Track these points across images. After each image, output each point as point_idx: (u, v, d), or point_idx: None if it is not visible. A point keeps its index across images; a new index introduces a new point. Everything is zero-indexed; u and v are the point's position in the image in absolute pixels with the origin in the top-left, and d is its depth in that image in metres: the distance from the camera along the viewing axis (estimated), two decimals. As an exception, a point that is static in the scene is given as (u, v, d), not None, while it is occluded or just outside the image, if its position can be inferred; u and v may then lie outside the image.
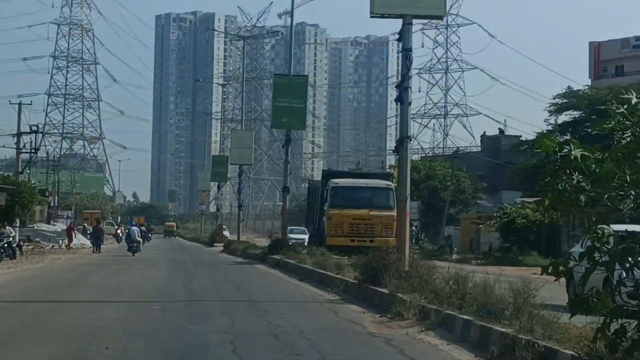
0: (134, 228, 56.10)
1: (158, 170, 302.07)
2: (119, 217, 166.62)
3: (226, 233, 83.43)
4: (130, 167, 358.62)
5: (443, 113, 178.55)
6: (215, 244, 79.47)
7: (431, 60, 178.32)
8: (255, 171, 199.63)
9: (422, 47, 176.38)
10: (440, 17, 26.77)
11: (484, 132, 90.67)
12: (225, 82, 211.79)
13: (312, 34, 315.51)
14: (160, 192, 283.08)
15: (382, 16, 24.82)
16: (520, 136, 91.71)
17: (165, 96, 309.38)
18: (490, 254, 57.43)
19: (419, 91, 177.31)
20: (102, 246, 62.42)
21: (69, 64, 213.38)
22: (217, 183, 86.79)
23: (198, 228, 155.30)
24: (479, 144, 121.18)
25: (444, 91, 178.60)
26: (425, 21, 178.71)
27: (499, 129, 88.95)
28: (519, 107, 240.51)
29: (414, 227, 76.34)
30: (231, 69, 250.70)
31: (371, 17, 24.23)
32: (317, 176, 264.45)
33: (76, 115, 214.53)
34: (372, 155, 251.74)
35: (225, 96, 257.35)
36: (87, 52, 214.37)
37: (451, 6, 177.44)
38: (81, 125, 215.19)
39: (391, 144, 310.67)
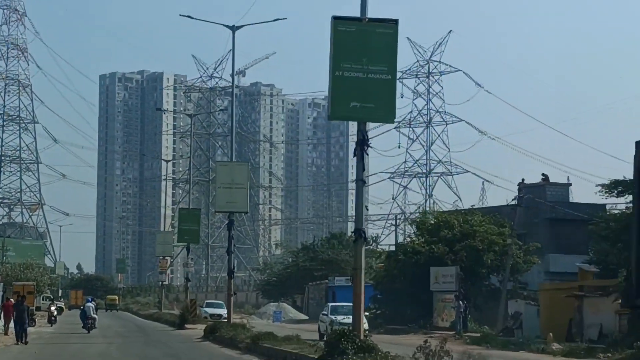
0: (90, 304, 53.78)
1: (104, 239, 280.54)
2: (60, 291, 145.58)
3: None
4: (73, 236, 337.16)
5: (425, 171, 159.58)
6: (186, 326, 59.07)
7: (411, 112, 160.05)
8: (214, 239, 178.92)
9: (402, 97, 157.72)
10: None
11: (522, 180, 71.47)
12: (181, 137, 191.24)
13: (268, 94, 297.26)
14: (106, 262, 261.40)
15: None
16: (571, 184, 72.87)
17: (110, 161, 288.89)
18: (613, 342, 38.24)
19: (399, 147, 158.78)
20: (31, 330, 42.47)
21: (4, 123, 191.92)
22: (185, 247, 67.41)
23: (151, 302, 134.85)
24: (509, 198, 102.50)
25: (425, 147, 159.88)
26: (404, 69, 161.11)
27: (543, 175, 69.86)
28: (510, 165, 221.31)
29: (461, 303, 56.89)
30: (181, 124, 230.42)
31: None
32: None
33: (13, 179, 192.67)
34: (337, 222, 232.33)
35: (176, 153, 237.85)
36: (24, 109, 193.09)
37: (433, 52, 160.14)
38: (19, 190, 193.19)
39: (353, 207, 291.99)
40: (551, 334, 42.16)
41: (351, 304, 45.69)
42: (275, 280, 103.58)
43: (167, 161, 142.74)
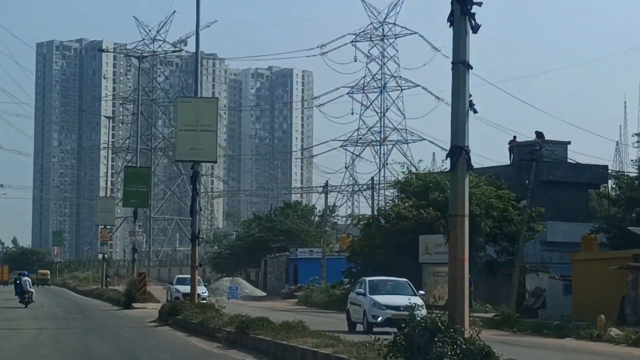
0: (26, 278, 51.97)
1: (40, 213, 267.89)
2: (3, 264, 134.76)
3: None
4: (8, 208, 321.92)
5: (379, 139, 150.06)
6: (134, 305, 48.88)
7: (364, 77, 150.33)
8: (157, 210, 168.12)
9: (355, 61, 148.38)
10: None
11: (514, 137, 62.14)
12: (122, 102, 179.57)
13: (210, 64, 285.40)
14: (43, 236, 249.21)
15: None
16: (569, 142, 63.46)
17: (47, 132, 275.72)
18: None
19: (352, 113, 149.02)
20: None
21: None
22: (133, 213, 57.03)
23: (90, 277, 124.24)
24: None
25: (380, 113, 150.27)
26: (357, 31, 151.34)
27: (537, 132, 60.28)
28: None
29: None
30: (121, 93, 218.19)
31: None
32: (220, 218, 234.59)
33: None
34: (283, 194, 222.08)
35: (115, 124, 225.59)
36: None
37: (387, 14, 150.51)
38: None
39: (297, 180, 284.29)
40: (602, 316, 32.68)
41: (394, 279, 38.12)
42: (227, 253, 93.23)
43: (109, 118, 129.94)
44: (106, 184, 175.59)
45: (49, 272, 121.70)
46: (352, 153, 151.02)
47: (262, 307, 53.89)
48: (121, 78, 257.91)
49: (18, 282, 53.13)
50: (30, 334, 31.01)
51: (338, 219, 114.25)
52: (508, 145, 63.06)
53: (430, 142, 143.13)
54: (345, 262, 74.12)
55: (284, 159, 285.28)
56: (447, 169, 56.29)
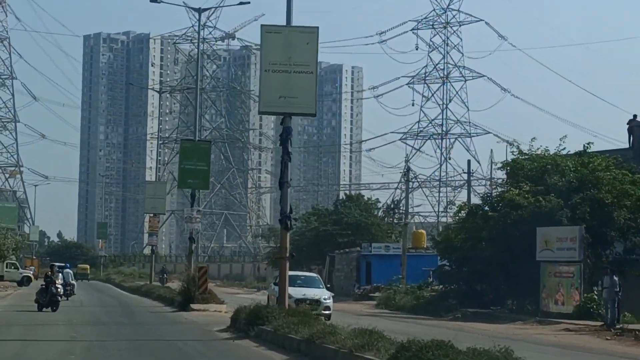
0: (68, 270, 49.47)
1: (86, 206, 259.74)
2: (33, 258, 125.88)
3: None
4: (54, 201, 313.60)
5: (441, 132, 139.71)
6: (192, 306, 39.12)
7: (426, 66, 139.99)
8: (205, 204, 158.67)
9: (417, 49, 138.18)
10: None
11: (635, 116, 51.69)
12: (170, 92, 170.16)
13: (257, 59, 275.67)
14: (88, 231, 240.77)
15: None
16: None
17: (94, 124, 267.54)
18: None
19: (413, 104, 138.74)
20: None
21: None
22: (191, 196, 46.72)
23: (135, 273, 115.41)
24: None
25: (442, 105, 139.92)
26: (418, 18, 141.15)
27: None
28: (534, 126, 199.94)
29: (616, 280, 37.17)
30: (169, 79, 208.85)
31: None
32: (268, 214, 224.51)
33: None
34: (334, 190, 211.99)
35: (162, 117, 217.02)
36: (1, 64, 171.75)
37: (451, 0, 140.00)
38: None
39: (345, 177, 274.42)
40: None
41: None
42: (294, 247, 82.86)
43: (160, 92, 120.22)
44: (156, 172, 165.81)
45: (88, 266, 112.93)
46: (412, 147, 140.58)
47: (340, 310, 44.02)
48: (168, 65, 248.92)
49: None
50: (57, 348, 21.28)
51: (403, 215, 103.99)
52: (627, 125, 52.92)
53: (495, 135, 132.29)
54: (426, 260, 64.23)
55: (332, 155, 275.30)
56: (564, 150, 45.76)
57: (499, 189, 48.19)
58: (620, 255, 43.86)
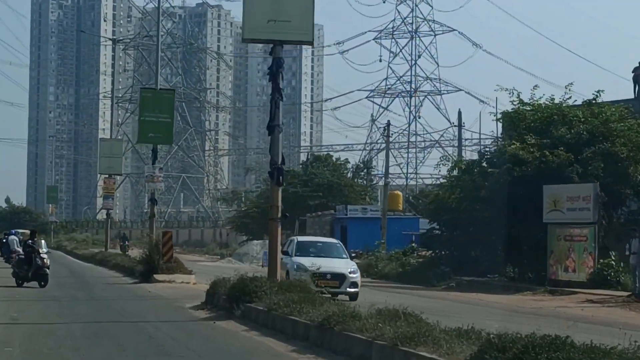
0: (13, 237, 48.19)
1: (35, 170, 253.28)
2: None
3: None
4: (0, 164, 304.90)
5: (410, 89, 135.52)
6: (156, 277, 34.60)
7: (394, 20, 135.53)
8: (163, 167, 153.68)
9: (384, 2, 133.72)
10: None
11: (640, 63, 47.91)
12: (124, 48, 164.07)
13: (215, 16, 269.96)
14: (38, 196, 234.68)
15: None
16: None
17: (43, 85, 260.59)
18: None
19: (380, 60, 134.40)
20: None
21: None
22: (152, 152, 41.79)
23: (88, 239, 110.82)
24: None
25: (410, 61, 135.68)
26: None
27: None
28: (508, 83, 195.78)
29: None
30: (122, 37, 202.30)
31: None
32: (226, 177, 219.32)
33: None
34: (296, 152, 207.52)
35: (115, 76, 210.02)
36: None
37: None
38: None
39: (307, 135, 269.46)
40: None
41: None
42: (255, 212, 78.22)
43: (114, 41, 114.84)
44: (110, 133, 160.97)
45: (28, 231, 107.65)
46: (379, 105, 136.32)
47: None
48: (121, 23, 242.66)
49: (4, 240, 49.50)
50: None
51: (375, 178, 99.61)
52: (632, 74, 48.92)
53: (467, 93, 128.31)
54: (405, 223, 60.24)
55: (292, 116, 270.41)
56: (569, 100, 41.40)
57: (498, 143, 43.71)
58: (634, 215, 39.98)
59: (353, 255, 56.02)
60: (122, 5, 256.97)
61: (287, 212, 72.55)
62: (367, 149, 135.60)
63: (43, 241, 42.87)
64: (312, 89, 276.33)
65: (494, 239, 40.86)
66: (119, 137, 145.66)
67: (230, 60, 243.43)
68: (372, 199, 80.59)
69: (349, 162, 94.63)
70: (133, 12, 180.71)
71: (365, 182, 79.06)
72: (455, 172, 43.93)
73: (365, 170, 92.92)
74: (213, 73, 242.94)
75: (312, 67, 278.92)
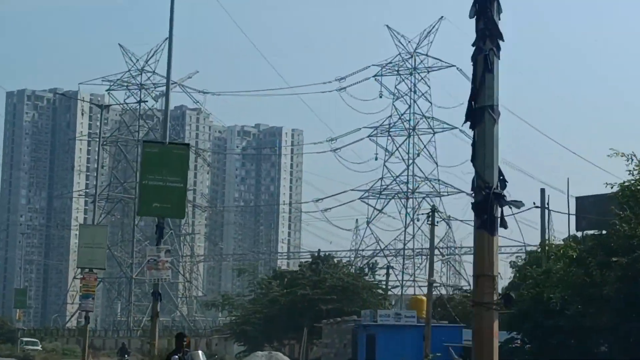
0: None
1: (4, 276, 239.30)
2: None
3: None
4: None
5: (406, 190, 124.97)
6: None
7: (390, 116, 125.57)
8: (139, 271, 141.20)
9: (381, 97, 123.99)
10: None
11: None
12: (103, 144, 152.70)
13: (194, 120, 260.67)
14: (5, 301, 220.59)
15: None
16: None
17: (15, 188, 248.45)
18: None
19: (376, 159, 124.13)
20: None
21: None
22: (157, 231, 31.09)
23: (58, 349, 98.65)
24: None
25: (407, 160, 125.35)
26: (382, 62, 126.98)
27: None
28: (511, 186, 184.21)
29: None
30: (96, 158, 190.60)
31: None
32: (201, 285, 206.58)
33: None
34: (276, 259, 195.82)
35: (90, 173, 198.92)
36: None
37: (419, 43, 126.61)
38: None
39: (284, 245, 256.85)
40: None
41: None
42: (255, 318, 65.57)
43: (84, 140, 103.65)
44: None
45: None
46: (373, 207, 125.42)
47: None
48: (97, 123, 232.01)
49: None
50: None
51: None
52: None
53: (468, 195, 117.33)
54: (443, 332, 48.77)
55: (269, 223, 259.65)
56: None
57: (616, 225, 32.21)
58: None
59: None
60: (99, 100, 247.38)
61: (294, 318, 60.73)
62: (352, 256, 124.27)
63: None
64: (290, 195, 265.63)
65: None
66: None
67: (209, 157, 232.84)
68: (393, 305, 69.25)
69: (351, 265, 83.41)
70: (110, 114, 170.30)
71: (387, 285, 67.85)
72: (557, 264, 32.61)
73: (370, 273, 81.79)
74: (191, 175, 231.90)
75: (292, 173, 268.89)
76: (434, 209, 44.94)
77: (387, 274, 70.30)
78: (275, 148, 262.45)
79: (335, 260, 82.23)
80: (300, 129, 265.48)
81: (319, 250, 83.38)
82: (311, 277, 64.56)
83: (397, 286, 79.99)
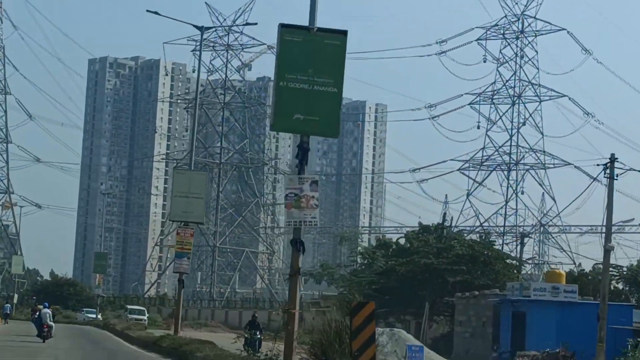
0: (47, 310, 46.50)
1: (84, 244, 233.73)
2: (15, 296, 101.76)
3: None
4: (48, 233, 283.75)
5: (509, 162, 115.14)
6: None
7: (494, 83, 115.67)
8: (223, 239, 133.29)
9: (484, 62, 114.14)
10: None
11: None
12: (186, 105, 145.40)
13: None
14: (85, 268, 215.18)
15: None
16: None
17: (96, 156, 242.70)
18: None
19: (478, 127, 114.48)
20: None
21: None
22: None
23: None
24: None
25: (510, 130, 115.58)
26: (486, 25, 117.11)
27: None
28: (622, 157, 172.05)
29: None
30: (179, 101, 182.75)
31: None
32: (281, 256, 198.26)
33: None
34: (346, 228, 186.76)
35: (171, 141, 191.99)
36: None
37: (527, 5, 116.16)
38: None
39: (365, 219, 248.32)
40: None
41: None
42: (371, 290, 56.08)
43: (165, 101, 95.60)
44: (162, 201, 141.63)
45: (58, 307, 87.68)
46: (473, 179, 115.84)
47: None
48: (180, 84, 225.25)
49: (38, 314, 49.01)
50: None
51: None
52: None
53: (577, 167, 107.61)
54: (615, 312, 39.47)
55: (352, 198, 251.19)
56: None
57: None
58: None
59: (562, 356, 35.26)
60: (180, 76, 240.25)
61: (416, 289, 51.44)
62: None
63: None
64: (372, 170, 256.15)
65: None
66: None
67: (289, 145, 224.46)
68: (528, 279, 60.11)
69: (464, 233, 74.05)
70: (191, 80, 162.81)
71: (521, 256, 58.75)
72: None
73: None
74: (272, 142, 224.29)
75: (374, 148, 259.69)
76: (613, 158, 35.62)
77: (522, 244, 61.04)
78: (359, 123, 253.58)
79: (446, 227, 73.09)
80: (384, 104, 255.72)
81: (420, 222, 74.55)
82: (435, 245, 55.41)
83: (532, 257, 70.94)
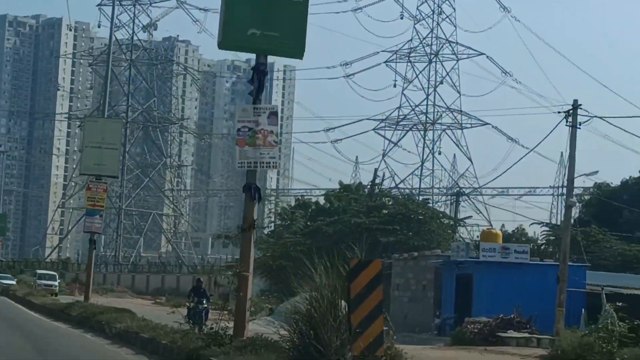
0: None
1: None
2: None
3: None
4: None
5: (425, 121, 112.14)
6: None
7: (411, 41, 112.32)
8: (129, 202, 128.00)
9: (402, 18, 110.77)
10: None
11: None
12: (91, 64, 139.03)
13: (182, 52, 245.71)
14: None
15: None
16: None
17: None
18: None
19: (394, 85, 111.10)
20: None
21: None
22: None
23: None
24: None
25: (427, 88, 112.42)
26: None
27: None
28: (538, 118, 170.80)
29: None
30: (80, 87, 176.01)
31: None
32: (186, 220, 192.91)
33: None
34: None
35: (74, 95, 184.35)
36: None
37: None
38: None
39: (273, 184, 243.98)
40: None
41: None
42: (296, 251, 51.65)
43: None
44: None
45: None
46: (388, 139, 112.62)
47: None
48: (84, 42, 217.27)
49: None
50: None
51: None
52: None
53: (495, 127, 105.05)
54: (553, 272, 36.29)
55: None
56: None
57: None
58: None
59: (520, 322, 31.74)
60: (83, 35, 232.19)
61: (346, 250, 46.63)
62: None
63: None
64: (280, 131, 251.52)
65: None
66: (74, 167, 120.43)
67: (196, 107, 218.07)
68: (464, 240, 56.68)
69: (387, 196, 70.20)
70: (99, 32, 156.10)
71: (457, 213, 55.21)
72: None
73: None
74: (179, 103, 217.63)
75: (282, 110, 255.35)
76: (576, 105, 32.06)
77: (457, 202, 57.69)
78: (267, 84, 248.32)
79: (362, 186, 69.38)
80: (293, 65, 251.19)
81: (341, 181, 70.79)
82: (364, 203, 51.53)
83: (468, 217, 67.90)
